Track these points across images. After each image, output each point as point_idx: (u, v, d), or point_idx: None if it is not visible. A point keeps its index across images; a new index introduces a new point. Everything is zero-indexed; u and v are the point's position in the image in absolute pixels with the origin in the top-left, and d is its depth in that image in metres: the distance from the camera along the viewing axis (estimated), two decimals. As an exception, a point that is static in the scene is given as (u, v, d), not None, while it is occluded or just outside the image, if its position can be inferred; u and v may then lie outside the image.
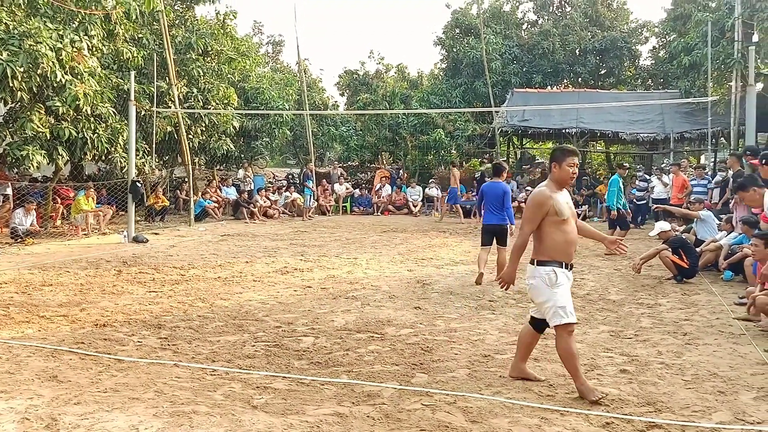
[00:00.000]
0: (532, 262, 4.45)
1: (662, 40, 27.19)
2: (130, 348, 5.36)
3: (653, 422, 3.84)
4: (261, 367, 4.88)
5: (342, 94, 30.51)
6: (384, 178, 23.00)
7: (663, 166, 19.94)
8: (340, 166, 24.41)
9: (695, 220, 10.75)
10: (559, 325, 4.28)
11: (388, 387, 4.43)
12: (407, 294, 7.85)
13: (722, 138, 21.48)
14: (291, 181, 22.45)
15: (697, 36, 20.68)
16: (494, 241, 8.68)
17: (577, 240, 4.52)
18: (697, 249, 9.54)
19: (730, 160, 12.36)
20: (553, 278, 4.31)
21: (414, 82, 30.03)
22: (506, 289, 4.69)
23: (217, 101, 18.02)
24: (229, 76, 19.04)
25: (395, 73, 30.16)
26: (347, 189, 22.17)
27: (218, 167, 23.22)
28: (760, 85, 21.16)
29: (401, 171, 24.93)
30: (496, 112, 23.01)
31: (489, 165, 21.48)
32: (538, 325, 4.58)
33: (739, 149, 14.90)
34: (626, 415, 3.97)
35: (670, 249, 9.05)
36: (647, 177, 18.16)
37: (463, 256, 11.40)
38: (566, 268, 4.38)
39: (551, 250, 4.35)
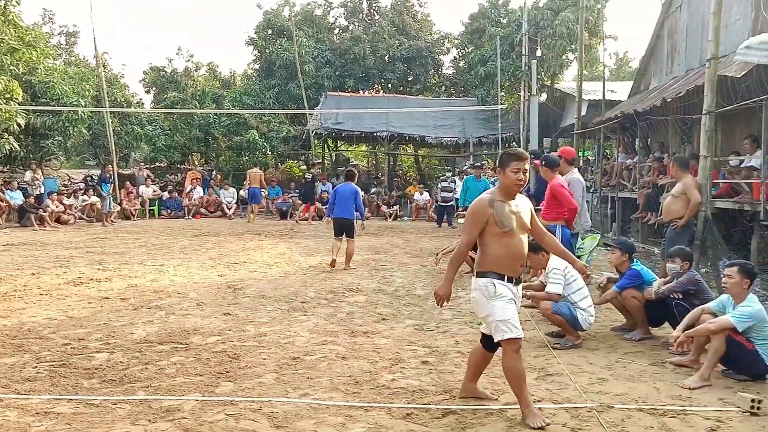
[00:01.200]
0: (475, 274, 4.12)
1: (461, 51, 29.28)
2: None
3: (448, 409, 4.07)
4: (43, 390, 4.37)
5: (148, 92, 28.69)
6: (195, 180, 22.06)
7: (465, 168, 21.49)
8: (146, 168, 22.96)
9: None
10: (504, 340, 3.93)
11: (189, 399, 4.20)
12: (217, 300, 7.57)
13: (514, 142, 23.72)
14: (89, 183, 20.61)
15: (491, 49, 22.61)
16: (343, 233, 10.19)
17: (523, 254, 4.07)
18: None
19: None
20: (492, 290, 3.96)
21: (226, 81, 29.20)
22: (441, 305, 4.17)
23: (-3, 95, 15.99)
24: (12, 67, 16.98)
25: (206, 71, 29.06)
26: (154, 191, 20.91)
27: (0, 168, 20.62)
28: (544, 96, 23.73)
29: (214, 172, 24.12)
30: (310, 114, 23.19)
31: (316, 170, 21.81)
32: (489, 344, 4.16)
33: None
34: (425, 404, 4.16)
35: (468, 245, 9.74)
36: (455, 179, 19.31)
37: (277, 258, 11.28)
38: (510, 281, 4.02)
39: (490, 261, 4.00)
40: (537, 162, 7.77)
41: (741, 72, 8.92)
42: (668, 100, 11.81)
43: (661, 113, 12.84)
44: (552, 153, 9.20)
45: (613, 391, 4.44)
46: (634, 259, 6.10)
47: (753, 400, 4.01)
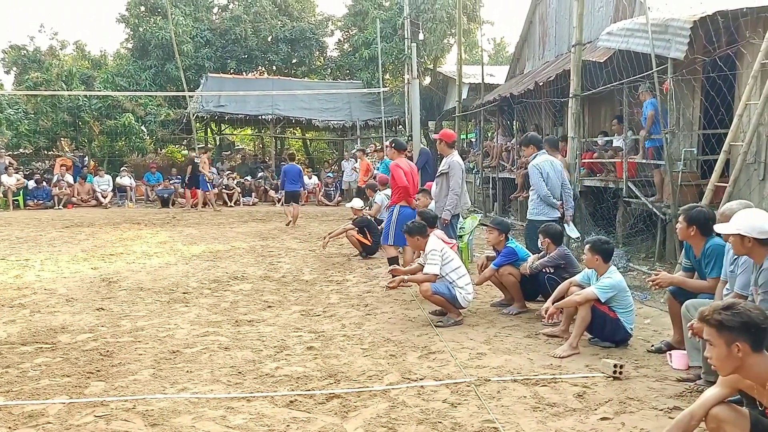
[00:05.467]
0: None
1: (346, 33, 29.15)
2: None
3: (333, 393, 4.07)
4: None
5: (7, 72, 26.30)
6: (65, 167, 20.57)
7: (353, 151, 21.55)
8: (8, 155, 21.08)
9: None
10: None
11: (55, 403, 3.92)
12: (89, 295, 7.12)
13: (400, 125, 24.05)
14: (-58, 173, 18.67)
15: (374, 32, 22.70)
16: (291, 201, 13.84)
17: None
18: (379, 227, 10.48)
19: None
20: None
21: (97, 61, 27.33)
22: None
23: None
24: None
25: (73, 50, 27.06)
26: (18, 180, 19.27)
27: None
28: (428, 79, 24.21)
29: (86, 159, 22.61)
30: (190, 96, 22.26)
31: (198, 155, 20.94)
32: None
33: (409, 135, 16.75)
34: (309, 390, 4.13)
35: (356, 229, 9.79)
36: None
37: (158, 248, 10.78)
38: None
39: None
40: (437, 136, 7.99)
41: (603, 57, 9.52)
42: (540, 84, 12.41)
43: (534, 96, 13.48)
44: (433, 135, 9.41)
45: (491, 364, 4.63)
46: (510, 237, 6.37)
47: (615, 366, 4.32)
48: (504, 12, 65.39)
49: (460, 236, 8.38)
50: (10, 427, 3.58)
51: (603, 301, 4.87)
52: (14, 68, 25.46)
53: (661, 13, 8.67)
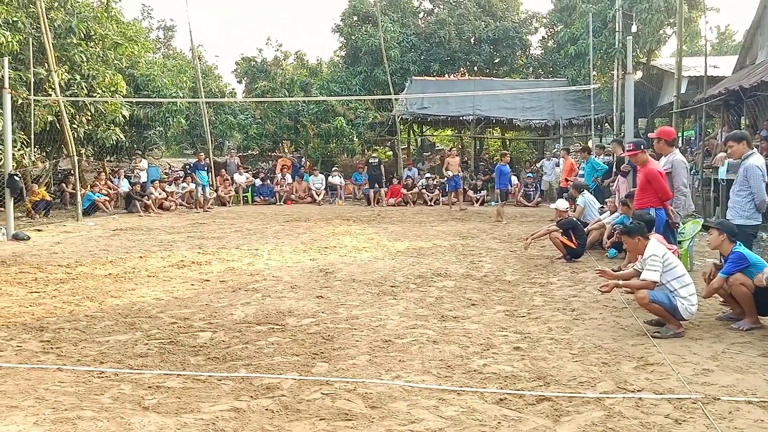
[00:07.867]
0: None
1: (550, 30, 28.37)
2: (8, 353, 4.97)
3: (543, 395, 4.02)
4: (154, 366, 4.67)
5: (239, 82, 29.69)
6: (285, 167, 22.70)
7: (554, 151, 20.92)
8: (238, 155, 23.83)
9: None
10: None
11: (287, 378, 4.37)
12: (309, 283, 7.78)
13: (606, 124, 22.82)
14: (188, 171, 21.67)
15: (582, 27, 21.77)
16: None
17: None
18: (585, 228, 10.05)
19: (613, 145, 13.11)
20: None
21: (313, 69, 29.72)
22: None
23: (104, 89, 16.99)
24: (115, 62, 18.00)
25: (294, 60, 29.70)
26: (247, 178, 21.69)
27: (108, 158, 22.03)
28: (639, 74, 22.67)
29: (303, 159, 24.69)
30: (395, 99, 23.24)
31: (377, 154, 21.83)
32: None
33: (621, 135, 15.82)
34: (518, 390, 4.12)
35: (560, 230, 9.50)
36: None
37: (366, 243, 11.43)
38: None
39: None
40: (654, 135, 7.58)
41: None
42: (779, 74, 11.01)
43: (770, 89, 11.99)
44: (649, 134, 8.81)
45: (720, 382, 4.23)
46: (737, 242, 5.72)
47: None
48: (730, -4, 58.91)
49: (680, 242, 7.76)
50: (251, 396, 4.07)
51: None
52: (245, 78, 28.66)
53: None
